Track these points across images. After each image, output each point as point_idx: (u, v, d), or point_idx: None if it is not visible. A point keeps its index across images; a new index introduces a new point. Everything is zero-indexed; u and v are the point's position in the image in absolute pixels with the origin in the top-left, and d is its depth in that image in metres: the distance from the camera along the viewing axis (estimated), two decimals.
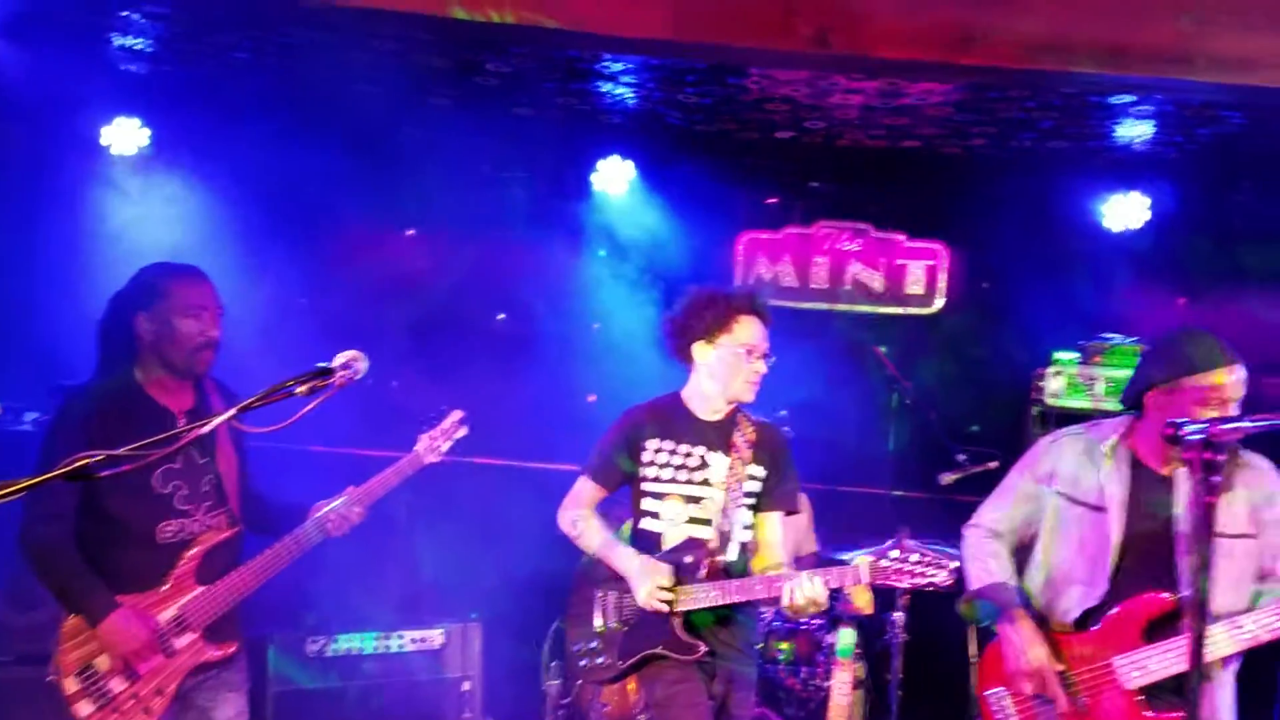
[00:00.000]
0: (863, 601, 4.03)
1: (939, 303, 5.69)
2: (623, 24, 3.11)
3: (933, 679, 4.53)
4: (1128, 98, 4.37)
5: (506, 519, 4.96)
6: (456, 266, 5.41)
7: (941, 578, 2.86)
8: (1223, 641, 2.68)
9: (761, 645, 4.02)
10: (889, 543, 4.40)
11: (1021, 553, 3.08)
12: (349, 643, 4.38)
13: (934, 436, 4.87)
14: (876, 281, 5.69)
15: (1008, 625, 2.90)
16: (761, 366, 3.19)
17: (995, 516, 3.08)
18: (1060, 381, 4.89)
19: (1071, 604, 2.90)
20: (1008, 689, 2.94)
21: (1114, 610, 2.82)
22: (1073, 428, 3.06)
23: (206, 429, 2.08)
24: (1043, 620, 2.96)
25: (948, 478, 4.59)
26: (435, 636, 4.50)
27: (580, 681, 4.24)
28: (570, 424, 4.70)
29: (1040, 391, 4.98)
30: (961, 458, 4.59)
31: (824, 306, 5.72)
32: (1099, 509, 2.87)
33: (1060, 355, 4.99)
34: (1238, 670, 2.85)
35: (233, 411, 2.04)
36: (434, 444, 3.38)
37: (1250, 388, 2.70)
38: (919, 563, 2.88)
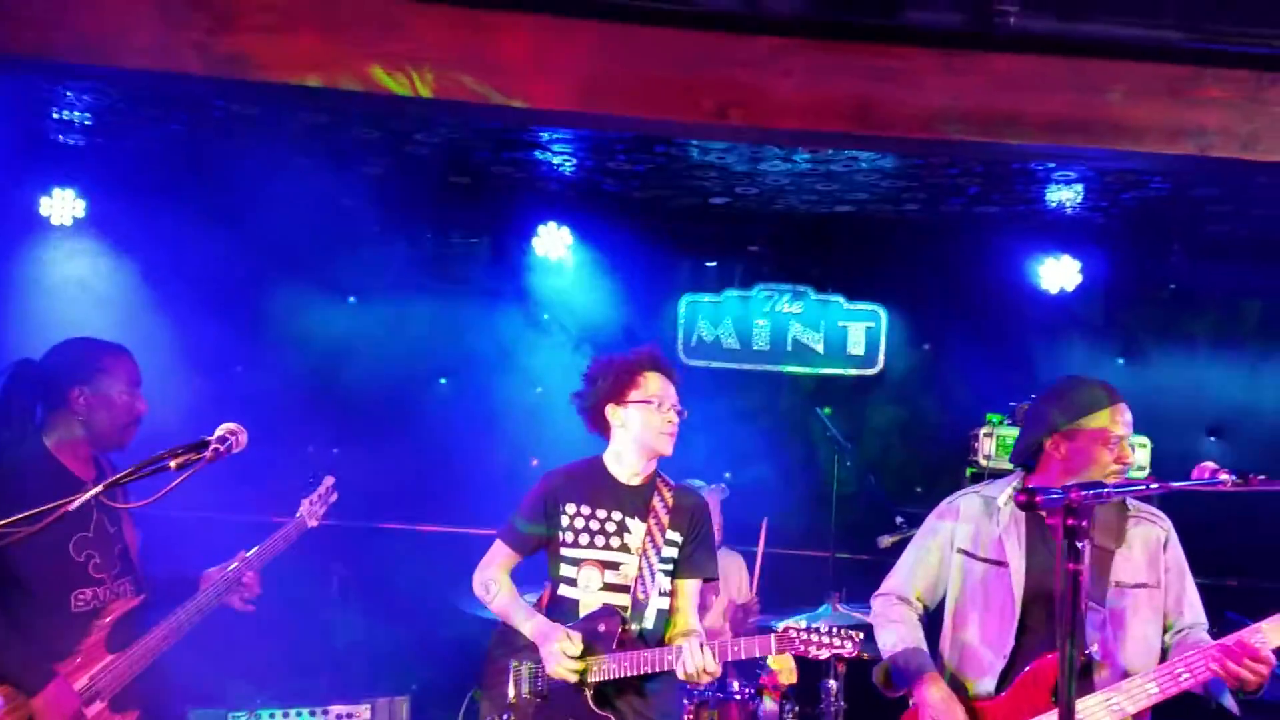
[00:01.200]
0: (785, 674, 3.98)
1: (880, 364, 5.72)
2: (532, 95, 3.16)
3: None
4: (1049, 164, 4.47)
5: (445, 588, 4.90)
6: (397, 332, 5.42)
7: (848, 648, 2.88)
8: (1100, 715, 2.67)
9: (691, 718, 3.96)
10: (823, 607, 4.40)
11: (933, 617, 3.07)
12: None
13: (875, 498, 4.87)
14: (817, 343, 5.73)
15: (923, 692, 2.89)
16: (674, 417, 3.21)
17: (900, 582, 3.08)
18: (991, 443, 4.91)
19: (984, 669, 2.88)
20: None
21: (1024, 671, 2.81)
22: (969, 488, 3.10)
23: (75, 505, 2.09)
24: (958, 685, 2.94)
25: (885, 540, 4.57)
26: (361, 712, 4.42)
27: None
28: (514, 488, 4.67)
29: (975, 452, 5.00)
30: (900, 520, 4.58)
31: (766, 368, 5.75)
32: (1000, 564, 2.88)
33: (992, 416, 5.02)
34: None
35: (100, 487, 2.04)
36: (313, 509, 3.45)
37: (1186, 446, 2.73)
38: (829, 633, 2.89)
